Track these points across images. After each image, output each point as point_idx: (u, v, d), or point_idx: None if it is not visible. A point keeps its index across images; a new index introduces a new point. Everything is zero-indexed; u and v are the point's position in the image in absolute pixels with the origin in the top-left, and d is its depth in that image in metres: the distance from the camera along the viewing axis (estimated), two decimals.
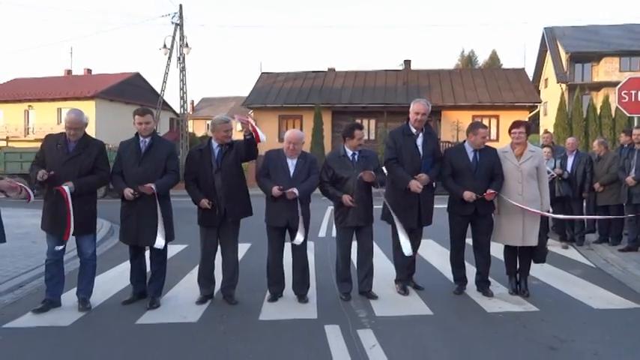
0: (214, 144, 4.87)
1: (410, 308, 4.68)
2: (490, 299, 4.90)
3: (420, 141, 5.11)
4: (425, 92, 27.82)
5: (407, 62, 32.07)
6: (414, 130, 5.12)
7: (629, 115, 9.86)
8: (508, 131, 5.14)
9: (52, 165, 4.48)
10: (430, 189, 5.19)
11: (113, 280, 5.71)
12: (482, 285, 5.14)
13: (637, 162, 6.91)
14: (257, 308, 4.69)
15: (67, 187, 4.38)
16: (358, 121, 27.55)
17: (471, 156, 5.05)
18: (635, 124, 9.22)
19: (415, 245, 5.23)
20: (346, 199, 4.82)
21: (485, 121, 26.54)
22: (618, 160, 7.31)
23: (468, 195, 4.86)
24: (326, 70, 32.03)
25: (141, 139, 4.74)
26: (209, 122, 9.73)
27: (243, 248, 7.33)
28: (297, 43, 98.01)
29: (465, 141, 5.20)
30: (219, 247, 4.97)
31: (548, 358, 3.58)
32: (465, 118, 26.77)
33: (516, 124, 5.09)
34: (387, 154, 5.17)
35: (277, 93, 29.13)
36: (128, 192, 4.54)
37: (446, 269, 6.14)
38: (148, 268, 5.00)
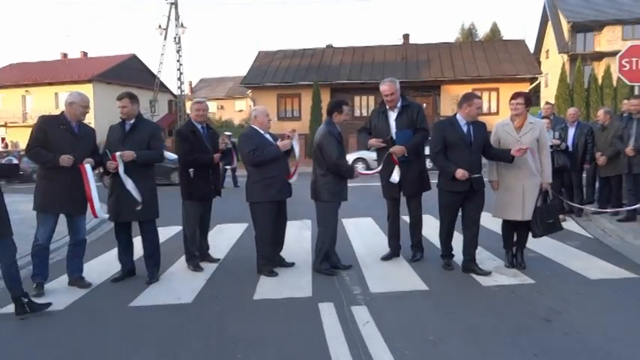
0: (198, 125, 5.42)
1: (405, 284, 4.66)
2: (483, 276, 4.86)
3: (394, 116, 5.32)
4: (424, 67, 27.56)
5: (405, 37, 31.69)
6: (387, 107, 5.36)
7: (629, 83, 9.65)
8: (509, 103, 5.02)
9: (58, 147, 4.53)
10: (417, 158, 5.33)
11: (110, 262, 5.70)
12: (472, 265, 4.95)
13: (636, 131, 6.82)
14: (252, 288, 4.68)
15: (87, 165, 4.62)
16: (357, 97, 27.48)
17: (465, 129, 4.83)
18: (636, 92, 9.09)
19: (414, 216, 5.48)
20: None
21: (485, 94, 26.34)
22: (617, 130, 7.20)
23: (461, 174, 4.64)
24: (324, 46, 31.67)
25: (126, 121, 4.94)
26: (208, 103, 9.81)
27: (240, 228, 7.36)
28: (294, 20, 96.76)
29: (456, 114, 4.97)
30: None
31: (542, 329, 3.56)
32: (464, 92, 26.50)
33: (515, 95, 4.98)
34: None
35: (275, 71, 28.89)
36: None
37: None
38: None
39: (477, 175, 4.78)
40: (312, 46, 31.50)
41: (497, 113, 24.86)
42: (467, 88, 26.30)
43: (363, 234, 6.99)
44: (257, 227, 5.08)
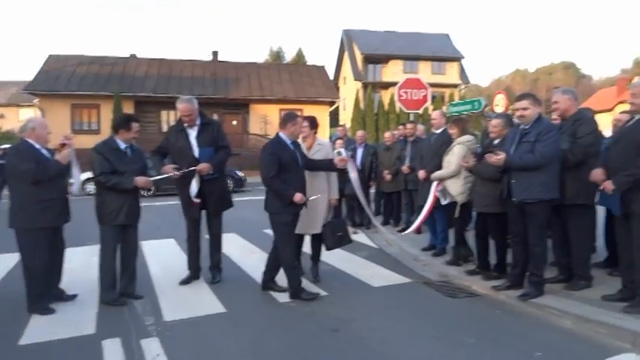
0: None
1: (202, 308, 4.48)
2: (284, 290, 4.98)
3: (194, 134, 5.13)
4: (233, 85, 27.82)
5: (215, 53, 31.62)
6: (185, 125, 5.15)
7: (407, 111, 11.16)
8: None
9: None
10: (221, 176, 5.30)
11: None
12: (271, 284, 4.99)
13: (411, 152, 7.83)
14: (19, 330, 3.95)
15: None
16: (164, 112, 26.31)
17: (291, 148, 4.79)
18: (411, 118, 10.51)
19: (215, 236, 5.37)
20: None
21: None
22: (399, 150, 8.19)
23: (299, 197, 4.55)
24: (127, 56, 29.66)
25: None
26: None
27: (11, 258, 6.24)
28: (92, 25, 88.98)
29: (278, 134, 4.82)
30: None
31: (330, 339, 3.75)
32: (272, 112, 27.56)
33: (302, 119, 5.23)
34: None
35: (69, 78, 25.98)
36: None
37: (245, 263, 6.13)
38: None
39: (314, 197, 4.85)
40: (112, 54, 29.27)
41: None
42: (274, 108, 27.48)
43: (163, 257, 6.59)
44: (26, 259, 4.32)
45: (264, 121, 27.13)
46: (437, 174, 5.61)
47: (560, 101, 4.71)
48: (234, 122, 27.86)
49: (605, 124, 6.11)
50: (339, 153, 5.45)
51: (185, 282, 5.24)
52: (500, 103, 13.67)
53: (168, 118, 26.26)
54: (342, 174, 7.25)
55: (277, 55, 56.18)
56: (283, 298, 4.74)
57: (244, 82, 28.30)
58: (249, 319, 4.25)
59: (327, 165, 5.08)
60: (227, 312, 4.40)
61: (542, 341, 3.65)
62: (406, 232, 6.08)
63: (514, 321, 4.09)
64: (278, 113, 27.92)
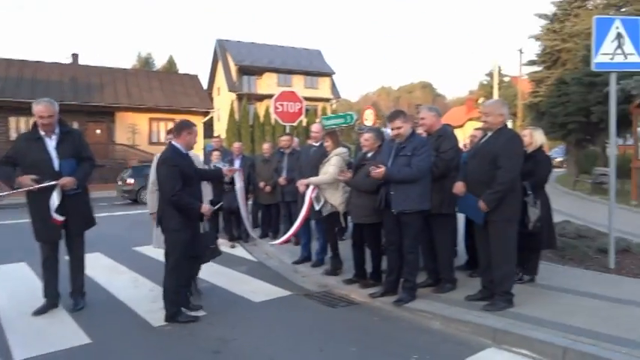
0: None
1: (63, 341, 3.97)
2: (157, 312, 4.64)
3: (53, 144, 4.58)
4: (97, 90, 25.83)
5: (75, 56, 29.10)
6: (42, 134, 4.54)
7: (282, 123, 11.27)
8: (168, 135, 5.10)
9: None
10: (84, 191, 4.80)
11: None
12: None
13: (288, 164, 7.88)
14: None
15: None
16: (13, 118, 23.42)
17: (189, 158, 4.59)
18: (287, 130, 10.63)
19: (78, 257, 4.83)
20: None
21: (162, 124, 26.51)
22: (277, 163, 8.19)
23: (207, 208, 4.41)
24: None
25: None
26: None
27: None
28: None
29: (172, 143, 4.49)
30: None
31: None
32: (141, 121, 26.12)
33: (168, 131, 5.14)
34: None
35: None
36: None
37: (112, 285, 5.63)
38: None
39: (219, 205, 4.77)
40: None
41: None
42: (143, 117, 26.08)
43: (12, 284, 5.77)
44: None
45: (133, 130, 25.53)
46: (315, 179, 5.67)
47: (426, 117, 5.10)
48: (98, 131, 25.80)
49: (459, 140, 6.76)
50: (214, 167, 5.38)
51: (40, 312, 4.61)
52: (369, 118, 14.52)
53: (17, 125, 23.43)
54: (220, 185, 7.08)
55: (146, 62, 53.52)
56: (158, 321, 4.40)
57: (109, 88, 26.37)
58: (119, 348, 3.87)
59: (216, 175, 4.99)
60: (93, 342, 3.95)
61: (417, 344, 3.86)
62: (277, 242, 6.07)
63: (391, 326, 4.27)
64: (148, 123, 26.53)
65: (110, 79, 27.04)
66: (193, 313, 4.53)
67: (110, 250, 7.34)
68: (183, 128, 4.45)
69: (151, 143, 25.92)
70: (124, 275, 6.11)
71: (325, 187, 5.63)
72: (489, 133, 4.50)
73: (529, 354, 3.56)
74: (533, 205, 4.73)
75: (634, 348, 3.37)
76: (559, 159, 28.26)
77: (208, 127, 33.65)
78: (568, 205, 11.52)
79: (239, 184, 5.34)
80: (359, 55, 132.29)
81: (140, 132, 25.92)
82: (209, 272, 5.63)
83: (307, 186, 5.76)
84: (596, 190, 15.19)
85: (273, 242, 6.28)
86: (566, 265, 5.89)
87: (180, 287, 4.47)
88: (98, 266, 6.36)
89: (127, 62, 61.54)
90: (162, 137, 26.13)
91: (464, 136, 8.91)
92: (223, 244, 7.45)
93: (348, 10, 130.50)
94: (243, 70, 38.39)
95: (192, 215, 4.37)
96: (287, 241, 6.11)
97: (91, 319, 4.48)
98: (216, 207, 4.71)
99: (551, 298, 4.61)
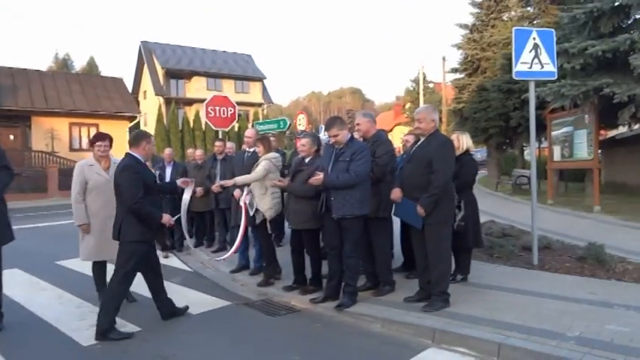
0: None
1: None
2: (87, 329, 4.35)
3: None
4: (9, 93, 24.00)
5: None
6: None
7: (215, 128, 11.02)
8: (91, 144, 5.01)
9: None
10: (1, 203, 4.46)
11: None
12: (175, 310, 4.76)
13: (221, 170, 7.70)
14: None
15: None
16: None
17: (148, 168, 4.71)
18: (220, 136, 10.41)
19: None
20: None
21: (84, 130, 25.15)
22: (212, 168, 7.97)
23: (167, 218, 4.38)
24: None
25: None
26: None
27: None
28: None
29: (131, 154, 4.39)
30: None
31: None
32: (60, 126, 24.63)
33: (103, 137, 5.02)
34: None
35: None
36: None
37: (32, 303, 5.22)
38: None
39: (178, 216, 4.69)
40: None
41: None
42: (63, 122, 24.58)
43: None
44: None
45: (51, 136, 23.94)
46: (240, 178, 5.56)
47: (361, 123, 5.18)
48: (12, 137, 23.97)
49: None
50: None
51: None
52: (302, 123, 14.60)
53: None
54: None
55: (65, 63, 50.53)
56: (87, 340, 4.12)
57: (24, 90, 24.56)
58: None
59: (172, 188, 4.97)
60: None
61: (360, 348, 3.88)
62: (224, 257, 5.93)
63: (333, 332, 4.27)
64: (68, 128, 25.04)
65: (24, 81, 25.19)
66: (126, 329, 4.29)
67: (30, 266, 6.80)
68: (142, 138, 4.43)
69: (72, 150, 24.45)
70: (46, 292, 5.69)
71: (255, 192, 5.54)
72: (422, 138, 4.64)
73: (467, 352, 3.69)
74: (456, 205, 4.94)
75: (562, 340, 3.59)
76: (479, 155, 29.76)
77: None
78: (492, 206, 12.17)
79: (186, 196, 5.12)
80: (289, 60, 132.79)
81: (60, 138, 24.36)
82: (141, 284, 5.33)
83: (242, 192, 5.67)
84: (516, 191, 16.19)
85: (220, 258, 6.10)
86: (494, 263, 6.19)
87: (120, 302, 4.27)
88: (16, 283, 5.87)
89: (43, 63, 57.75)
90: (85, 143, 24.88)
91: (393, 141, 9.19)
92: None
93: (278, 16, 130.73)
94: (171, 74, 37.24)
95: (153, 225, 4.30)
96: (235, 252, 6.01)
97: (10, 341, 4.12)
98: (176, 217, 4.64)
99: (484, 295, 4.83)
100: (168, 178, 7.88)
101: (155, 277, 4.63)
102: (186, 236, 5.79)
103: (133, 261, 4.25)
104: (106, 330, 4.12)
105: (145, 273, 4.57)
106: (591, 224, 9.39)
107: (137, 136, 4.48)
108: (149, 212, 4.22)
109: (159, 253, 7.46)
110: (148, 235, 4.32)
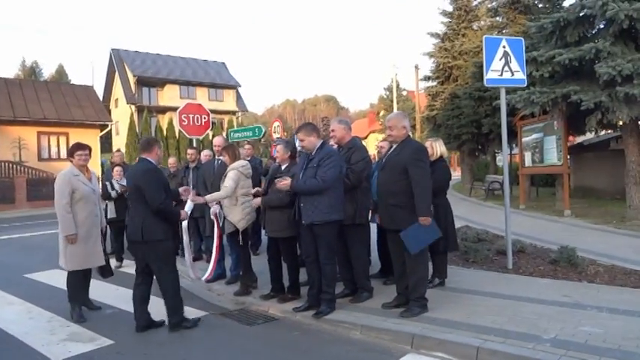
0: None
1: None
2: (58, 344, 4.21)
3: None
4: None
5: None
6: None
7: (188, 136, 10.88)
8: (70, 154, 4.97)
9: None
10: None
11: None
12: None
13: (194, 178, 7.60)
14: None
15: None
16: None
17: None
18: (194, 144, 10.28)
19: None
20: None
21: (54, 139, 24.55)
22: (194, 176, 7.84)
23: (184, 213, 4.82)
24: None
25: None
26: None
27: None
28: None
29: (146, 159, 4.53)
30: None
31: None
32: (28, 135, 23.96)
33: (81, 147, 5.04)
34: None
35: None
36: None
37: (1, 318, 5.02)
38: None
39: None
40: None
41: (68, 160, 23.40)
42: (31, 131, 23.89)
43: None
44: None
45: (19, 145, 23.23)
46: (212, 195, 5.50)
47: (336, 130, 5.19)
48: None
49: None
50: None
51: None
52: (277, 130, 14.57)
53: None
54: (125, 202, 6.69)
55: (32, 71, 49.30)
56: (58, 355, 3.98)
57: None
58: None
59: (174, 195, 4.92)
60: None
61: (339, 355, 3.85)
62: (205, 277, 5.88)
63: (311, 340, 4.22)
64: (36, 137, 24.35)
65: None
66: (99, 342, 4.16)
67: None
68: (154, 143, 4.63)
69: (40, 159, 23.76)
70: (14, 306, 5.48)
71: (224, 203, 5.48)
72: (394, 146, 4.67)
73: (446, 356, 3.70)
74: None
75: (538, 343, 3.63)
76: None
77: (106, 141, 31.74)
78: (466, 211, 12.34)
79: (190, 204, 5.09)
80: (263, 67, 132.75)
81: (28, 147, 23.67)
82: (114, 296, 5.24)
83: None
84: (489, 196, 16.47)
85: (203, 278, 6.01)
86: (470, 267, 6.27)
87: (179, 290, 4.65)
88: None
89: (10, 71, 56.16)
90: (54, 153, 24.27)
91: (368, 148, 9.24)
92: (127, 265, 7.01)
93: (252, 23, 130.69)
94: (143, 82, 36.72)
95: (174, 220, 4.57)
96: (214, 268, 5.99)
97: None
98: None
99: (461, 300, 4.87)
100: None
101: (149, 285, 4.65)
102: (186, 249, 5.53)
103: (169, 258, 4.51)
104: (178, 322, 4.54)
105: (143, 278, 4.59)
106: (562, 228, 9.61)
107: (149, 142, 4.64)
108: (174, 211, 4.53)
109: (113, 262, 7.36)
110: (170, 233, 4.50)
